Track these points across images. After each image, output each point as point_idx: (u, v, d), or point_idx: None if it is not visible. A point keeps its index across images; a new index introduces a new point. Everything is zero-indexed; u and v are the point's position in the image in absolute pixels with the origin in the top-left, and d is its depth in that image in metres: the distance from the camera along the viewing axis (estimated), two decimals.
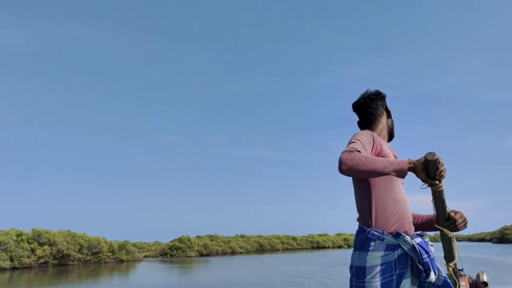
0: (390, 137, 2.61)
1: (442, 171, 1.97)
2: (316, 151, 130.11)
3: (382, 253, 2.11)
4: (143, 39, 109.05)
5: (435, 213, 2.20)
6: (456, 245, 2.28)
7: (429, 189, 2.08)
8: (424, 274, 2.10)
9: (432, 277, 2.08)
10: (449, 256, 2.31)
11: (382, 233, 2.14)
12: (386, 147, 2.39)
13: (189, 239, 50.40)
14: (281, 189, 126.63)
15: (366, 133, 2.30)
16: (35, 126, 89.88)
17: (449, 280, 2.18)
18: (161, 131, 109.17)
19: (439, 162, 1.95)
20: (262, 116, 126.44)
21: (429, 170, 1.97)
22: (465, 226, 2.19)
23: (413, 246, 2.10)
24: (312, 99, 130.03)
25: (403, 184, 2.37)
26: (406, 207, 2.28)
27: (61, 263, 34.58)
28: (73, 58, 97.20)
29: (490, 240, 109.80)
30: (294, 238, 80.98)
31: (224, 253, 56.41)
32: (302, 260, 37.78)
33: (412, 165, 2.00)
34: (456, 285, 2.33)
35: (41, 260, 32.99)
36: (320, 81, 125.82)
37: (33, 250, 32.84)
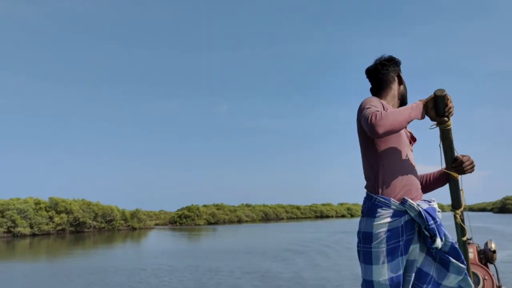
0: (403, 104, 2.52)
1: (450, 108, 2.05)
2: (320, 121, 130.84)
3: (388, 220, 2.13)
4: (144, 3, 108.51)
5: (443, 155, 2.26)
6: (464, 194, 2.26)
7: (437, 137, 2.18)
8: (430, 240, 2.12)
9: (438, 243, 2.09)
10: (456, 203, 2.29)
11: (389, 200, 2.15)
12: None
13: (197, 208, 52.21)
14: (284, 159, 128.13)
15: (374, 98, 2.28)
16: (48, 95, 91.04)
17: (457, 246, 2.18)
18: (164, 99, 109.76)
19: (448, 99, 2.01)
20: (265, 85, 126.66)
21: (438, 107, 2.03)
22: (472, 169, 2.23)
23: (420, 212, 2.11)
24: (317, 67, 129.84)
25: (412, 151, 2.37)
26: (414, 173, 2.27)
27: (77, 230, 36.39)
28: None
29: (491, 210, 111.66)
30: (298, 208, 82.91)
31: (231, 222, 58.36)
32: (306, 228, 39.36)
33: (425, 104, 2.09)
34: (463, 234, 2.34)
35: (59, 227, 34.77)
36: (325, 49, 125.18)
37: (51, 218, 34.55)
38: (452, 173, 2.21)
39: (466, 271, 2.17)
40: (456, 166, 2.22)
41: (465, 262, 2.17)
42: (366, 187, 2.29)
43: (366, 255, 2.16)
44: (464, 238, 2.33)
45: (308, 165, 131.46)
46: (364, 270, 2.17)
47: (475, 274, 2.98)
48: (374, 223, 2.14)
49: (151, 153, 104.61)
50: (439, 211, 2.23)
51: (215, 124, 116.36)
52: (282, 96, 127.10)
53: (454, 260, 2.15)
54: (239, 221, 60.65)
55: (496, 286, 3.02)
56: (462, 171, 2.22)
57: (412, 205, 2.11)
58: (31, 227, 32.88)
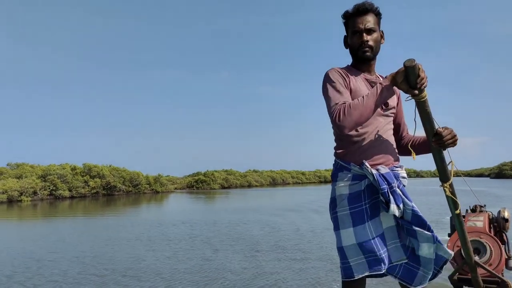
0: (359, 59, 2.22)
1: (423, 78, 1.82)
2: (316, 89, 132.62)
3: (349, 182, 2.11)
4: None
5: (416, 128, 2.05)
6: (453, 165, 2.04)
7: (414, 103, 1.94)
8: (385, 206, 2.04)
9: (393, 209, 2.00)
10: (443, 176, 2.06)
11: (349, 164, 2.11)
12: (359, 80, 2.20)
13: (212, 173, 55.85)
14: (287, 125, 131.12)
15: (335, 73, 2.15)
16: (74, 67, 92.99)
17: (420, 214, 2.04)
18: (164, 66, 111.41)
19: (419, 68, 1.81)
20: (266, 52, 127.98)
21: (409, 79, 1.84)
22: (454, 143, 1.98)
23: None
24: (316, 35, 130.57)
25: (386, 116, 2.22)
26: (383, 138, 2.17)
27: (108, 193, 39.90)
28: None
29: (488, 176, 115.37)
30: (303, 173, 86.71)
31: (242, 186, 62.08)
32: (309, 191, 42.84)
33: (393, 79, 1.91)
34: (455, 206, 2.15)
35: (93, 191, 38.25)
36: (328, 16, 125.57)
37: (86, 182, 37.97)
38: (433, 146, 1.99)
39: (437, 238, 2.04)
40: (436, 140, 1.97)
41: (431, 230, 2.04)
42: (334, 153, 2.24)
43: (334, 221, 2.13)
44: (458, 211, 2.17)
45: (312, 131, 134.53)
46: (336, 237, 2.11)
47: (481, 244, 2.80)
48: (336, 186, 2.15)
49: (159, 122, 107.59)
50: (404, 178, 2.17)
51: (214, 89, 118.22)
52: (283, 62, 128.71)
53: (418, 229, 2.03)
54: (249, 186, 64.35)
55: (506, 255, 2.82)
56: (443, 145, 1.97)
57: (367, 168, 2.05)
58: (70, 190, 36.33)
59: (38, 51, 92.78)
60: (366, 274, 2.03)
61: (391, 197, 2.02)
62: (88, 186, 37.88)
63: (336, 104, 2.01)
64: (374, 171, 2.06)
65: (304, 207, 21.65)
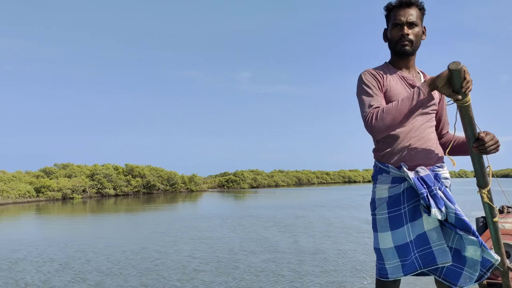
0: (399, 54, 2.13)
1: (468, 82, 1.76)
2: (342, 89, 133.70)
3: (388, 185, 2.07)
4: None
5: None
6: (491, 170, 2.01)
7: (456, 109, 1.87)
8: (427, 210, 1.97)
9: (435, 214, 1.93)
10: (481, 181, 2.03)
11: (387, 166, 2.07)
12: (395, 80, 2.13)
13: (242, 173, 58.14)
14: (312, 125, 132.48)
15: (368, 76, 2.11)
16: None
17: (463, 217, 1.95)
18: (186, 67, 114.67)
19: (465, 71, 1.74)
20: (288, 52, 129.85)
21: (453, 83, 1.77)
22: (496, 149, 1.91)
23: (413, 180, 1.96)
24: (338, 34, 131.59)
25: (426, 113, 2.13)
26: (422, 137, 2.08)
27: (148, 192, 42.60)
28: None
29: None
30: (327, 173, 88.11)
31: (269, 186, 64.21)
32: (335, 191, 44.57)
33: (432, 84, 1.86)
34: (492, 214, 2.09)
35: (135, 189, 41.00)
36: (349, 14, 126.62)
37: (128, 181, 40.74)
38: (474, 151, 1.90)
39: (483, 243, 1.95)
40: (478, 146, 1.88)
41: (476, 234, 1.94)
42: (373, 155, 2.20)
43: (373, 222, 2.13)
44: (496, 219, 2.08)
45: (335, 132, 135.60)
46: (373, 237, 2.11)
47: (511, 247, 2.62)
48: (376, 189, 2.12)
49: (182, 122, 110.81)
50: (446, 179, 2.08)
51: (234, 89, 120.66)
52: (306, 63, 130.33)
53: (462, 233, 1.94)
54: (276, 185, 66.38)
55: None
56: (485, 151, 1.88)
57: (405, 171, 2.00)
58: (114, 188, 39.15)
59: (83, 53, 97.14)
60: (401, 276, 2.02)
61: (431, 201, 1.94)
62: (131, 185, 40.65)
63: (369, 108, 1.99)
64: (412, 175, 1.99)
65: (333, 204, 23.64)
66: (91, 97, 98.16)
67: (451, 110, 1.96)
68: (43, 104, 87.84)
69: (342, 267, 7.03)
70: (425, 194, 1.95)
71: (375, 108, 1.98)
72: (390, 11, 2.15)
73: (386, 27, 2.20)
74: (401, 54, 2.13)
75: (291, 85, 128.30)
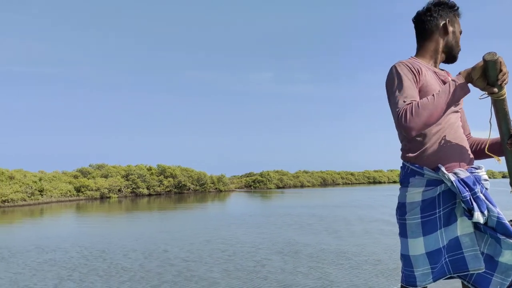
0: (449, 58, 2.11)
1: (505, 73, 1.71)
2: (366, 87, 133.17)
3: (422, 189, 1.93)
4: None
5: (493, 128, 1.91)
6: None
7: (489, 102, 1.82)
8: (468, 213, 1.87)
9: (478, 217, 1.83)
10: None
11: (422, 168, 1.93)
12: (429, 74, 2.01)
13: (268, 174, 59.11)
14: (333, 125, 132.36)
15: (403, 67, 1.96)
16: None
17: (505, 221, 1.86)
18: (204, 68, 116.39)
19: (501, 63, 1.68)
20: (308, 52, 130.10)
21: (488, 75, 1.71)
22: None
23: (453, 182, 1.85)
24: (360, 33, 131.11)
25: (457, 112, 2.04)
26: (457, 136, 1.98)
27: (179, 191, 43.99)
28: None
29: None
30: (352, 174, 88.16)
31: (295, 186, 64.96)
32: (360, 191, 44.93)
33: (468, 76, 1.80)
34: None
35: (167, 189, 42.44)
36: (369, 13, 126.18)
37: (160, 181, 42.20)
38: (508, 148, 1.84)
39: None
40: None
41: None
42: (401, 156, 2.06)
43: (401, 228, 1.99)
44: None
45: (360, 131, 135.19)
46: (401, 243, 1.99)
47: None
48: (407, 193, 1.97)
49: (205, 123, 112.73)
50: (486, 180, 1.97)
51: (255, 90, 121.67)
52: (328, 62, 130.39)
53: (502, 237, 1.84)
54: (302, 186, 67.07)
55: None
56: None
57: (444, 174, 1.88)
58: (148, 188, 40.67)
59: (109, 57, 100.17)
60: (429, 283, 1.95)
61: (474, 204, 1.85)
62: (163, 185, 42.11)
63: (403, 103, 1.85)
64: (452, 177, 1.87)
65: (365, 204, 24.31)
66: (118, 99, 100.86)
67: (484, 105, 1.89)
68: (76, 107, 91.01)
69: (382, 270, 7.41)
70: (468, 198, 1.84)
71: (409, 103, 1.83)
72: (455, 11, 2.10)
73: (444, 22, 2.06)
74: (455, 57, 2.12)
75: (313, 84, 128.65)
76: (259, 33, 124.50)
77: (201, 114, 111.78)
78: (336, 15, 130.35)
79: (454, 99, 1.81)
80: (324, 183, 75.54)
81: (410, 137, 1.92)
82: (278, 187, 60.42)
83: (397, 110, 1.85)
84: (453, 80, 1.83)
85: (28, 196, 29.98)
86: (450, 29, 2.07)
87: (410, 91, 1.90)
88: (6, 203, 27.85)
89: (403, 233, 1.98)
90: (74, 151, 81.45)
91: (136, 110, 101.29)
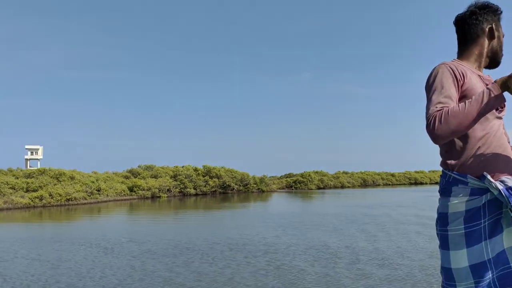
0: (493, 63, 2.06)
1: None
2: (406, 88, 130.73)
3: (466, 198, 1.84)
4: None
5: None
6: None
7: None
8: None
9: None
10: None
11: (465, 177, 1.84)
12: (474, 78, 1.94)
13: (309, 175, 59.65)
14: (374, 126, 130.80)
15: (445, 70, 1.90)
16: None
17: None
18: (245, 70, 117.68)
19: None
20: (348, 51, 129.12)
21: None
22: None
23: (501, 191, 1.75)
24: (403, 32, 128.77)
25: (500, 118, 1.95)
26: (501, 144, 1.90)
27: (223, 191, 45.38)
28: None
29: None
30: (392, 175, 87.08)
31: (335, 187, 65.10)
32: (403, 193, 44.64)
33: (504, 84, 1.74)
34: None
35: (213, 189, 43.90)
36: (409, 12, 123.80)
37: (206, 182, 43.70)
38: None
39: None
40: None
41: None
42: (440, 163, 1.98)
43: (442, 239, 1.90)
44: None
45: (400, 132, 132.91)
46: (442, 256, 1.90)
47: None
48: (449, 203, 1.88)
49: (250, 124, 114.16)
50: None
51: (295, 90, 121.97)
52: (370, 62, 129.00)
53: None
54: (342, 187, 67.10)
55: None
56: None
57: (490, 182, 1.78)
58: (195, 188, 42.26)
59: (152, 60, 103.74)
60: None
61: None
62: (209, 185, 43.61)
63: (434, 108, 1.79)
64: (499, 185, 1.76)
65: (407, 204, 24.59)
66: (158, 102, 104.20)
67: None
68: (122, 110, 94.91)
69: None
70: None
71: (440, 109, 1.78)
72: (499, 15, 2.04)
73: (490, 26, 2.01)
74: (497, 63, 2.07)
75: (354, 85, 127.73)
76: (298, 32, 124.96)
77: (240, 116, 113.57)
78: (379, 15, 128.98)
79: (487, 109, 1.76)
80: (364, 184, 75.12)
81: (438, 144, 1.86)
82: (319, 188, 60.82)
83: (427, 115, 1.81)
84: (487, 88, 1.77)
85: (88, 195, 32.05)
86: (496, 33, 2.03)
87: (446, 95, 1.84)
88: (70, 202, 29.98)
89: (445, 245, 1.89)
90: (123, 153, 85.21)
91: (179, 113, 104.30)
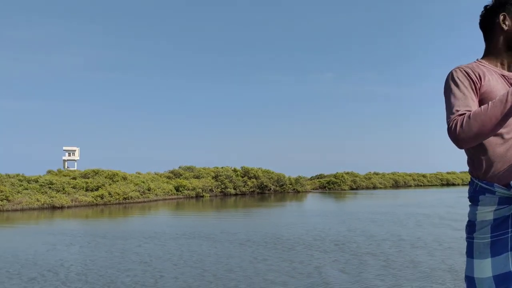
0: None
1: None
2: (435, 86, 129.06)
3: (494, 207, 1.80)
4: None
5: None
6: None
7: None
8: None
9: None
10: None
11: (492, 185, 1.79)
12: (495, 79, 1.85)
13: (342, 176, 60.91)
14: (402, 126, 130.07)
15: (456, 75, 1.84)
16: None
17: None
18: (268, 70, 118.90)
19: None
20: (371, 51, 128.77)
21: None
22: None
23: None
24: (425, 29, 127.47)
25: None
26: None
27: (261, 192, 47.26)
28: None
29: None
30: (424, 176, 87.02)
31: (367, 188, 66.06)
32: (435, 193, 45.32)
33: None
34: None
35: (251, 189, 45.85)
36: (433, 8, 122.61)
37: (245, 182, 45.68)
38: None
39: None
40: None
41: None
42: (468, 171, 1.93)
43: (468, 247, 1.88)
44: None
45: (431, 132, 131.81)
46: (467, 264, 1.87)
47: None
48: (477, 212, 1.85)
49: (275, 126, 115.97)
50: None
51: (317, 90, 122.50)
52: (395, 60, 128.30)
53: None
54: (374, 187, 67.94)
55: None
56: None
57: None
58: (234, 188, 44.30)
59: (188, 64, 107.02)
60: None
61: None
62: (247, 185, 45.58)
63: (456, 112, 1.73)
64: None
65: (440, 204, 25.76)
66: (193, 106, 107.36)
67: None
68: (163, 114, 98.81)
69: None
70: None
71: (462, 113, 1.71)
72: (511, 4, 1.90)
73: (497, 16, 1.90)
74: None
75: (379, 84, 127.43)
76: (320, 33, 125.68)
77: (271, 118, 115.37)
78: (404, 12, 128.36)
79: (509, 111, 1.64)
80: (395, 185, 75.60)
81: (461, 148, 1.77)
82: (351, 189, 61.96)
83: (449, 120, 1.75)
84: (507, 90, 1.66)
85: (141, 194, 34.45)
86: (507, 22, 1.89)
87: (464, 100, 1.77)
88: (126, 200, 32.43)
89: (470, 253, 1.86)
90: (164, 154, 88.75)
91: (214, 116, 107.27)
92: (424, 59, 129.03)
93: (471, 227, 1.88)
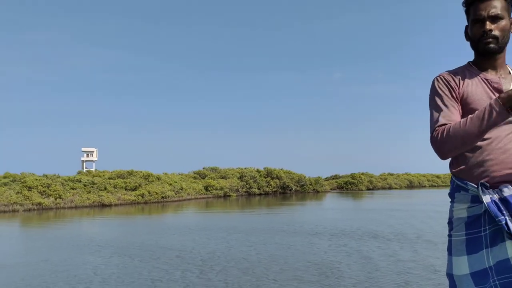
0: (481, 52, 1.85)
1: None
2: None
3: (467, 205, 1.83)
4: None
5: None
6: None
7: None
8: (508, 236, 1.71)
9: None
10: None
11: (466, 184, 1.82)
12: (475, 84, 1.85)
13: (359, 176, 62.90)
14: (413, 126, 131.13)
15: (437, 84, 1.87)
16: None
17: None
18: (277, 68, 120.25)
19: None
20: (381, 51, 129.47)
21: None
22: None
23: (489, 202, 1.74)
24: (437, 27, 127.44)
25: (509, 122, 1.80)
26: (507, 149, 1.77)
27: (282, 191, 49.41)
28: None
29: None
30: (438, 176, 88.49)
31: (383, 188, 67.86)
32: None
33: (508, 99, 1.63)
34: None
35: (274, 189, 48.04)
36: (445, 6, 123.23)
37: (267, 182, 47.88)
38: None
39: None
40: None
41: None
42: (449, 168, 1.96)
43: (448, 244, 1.91)
44: None
45: None
46: (447, 261, 1.90)
47: None
48: (453, 209, 1.90)
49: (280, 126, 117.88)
50: None
51: (326, 91, 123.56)
52: (404, 59, 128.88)
53: None
54: (390, 188, 69.69)
55: None
56: None
57: (480, 194, 1.75)
58: (258, 188, 46.53)
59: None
60: None
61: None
62: (270, 185, 47.79)
63: (435, 124, 1.79)
64: (487, 198, 1.73)
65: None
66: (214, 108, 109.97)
67: None
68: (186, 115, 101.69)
69: None
70: (504, 222, 1.69)
71: (442, 125, 1.76)
72: (470, 5, 1.84)
73: (466, 24, 1.88)
74: (485, 53, 1.83)
75: (389, 84, 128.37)
76: (329, 32, 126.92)
77: (276, 118, 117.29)
78: (414, 11, 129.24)
79: (489, 125, 1.66)
80: (410, 185, 77.22)
81: (444, 159, 1.81)
82: (368, 189, 63.87)
83: (431, 130, 1.80)
84: (490, 104, 1.67)
85: (175, 194, 36.82)
86: (469, 32, 1.86)
87: (445, 110, 1.80)
88: (164, 199, 34.82)
89: (449, 251, 1.88)
90: (188, 154, 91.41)
91: (236, 118, 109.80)
92: (439, 62, 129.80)
93: (449, 224, 1.91)
